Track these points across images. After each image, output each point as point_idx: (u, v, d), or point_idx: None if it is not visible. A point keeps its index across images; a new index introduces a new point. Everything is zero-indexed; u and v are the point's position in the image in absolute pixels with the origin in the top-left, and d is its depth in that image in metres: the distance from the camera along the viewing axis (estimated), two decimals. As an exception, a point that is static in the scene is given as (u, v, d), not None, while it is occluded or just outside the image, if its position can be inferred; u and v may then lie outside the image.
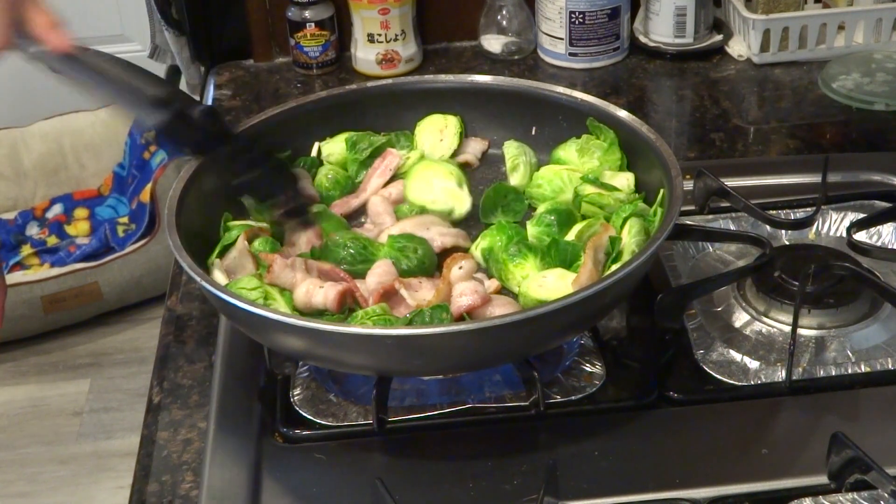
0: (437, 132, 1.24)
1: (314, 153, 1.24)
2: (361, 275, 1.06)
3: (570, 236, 1.09)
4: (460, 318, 0.99)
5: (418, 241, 1.09)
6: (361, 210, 1.19)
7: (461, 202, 1.17)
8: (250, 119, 1.20)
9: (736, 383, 1.03)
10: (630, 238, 1.06)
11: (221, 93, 1.65)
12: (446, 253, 1.09)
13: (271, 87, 1.67)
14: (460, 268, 1.02)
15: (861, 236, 1.18)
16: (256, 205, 1.12)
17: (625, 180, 1.15)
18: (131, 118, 0.99)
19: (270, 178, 1.10)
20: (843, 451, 0.89)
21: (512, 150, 1.22)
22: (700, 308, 1.12)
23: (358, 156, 1.22)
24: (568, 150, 1.20)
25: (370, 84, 1.28)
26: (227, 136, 1.08)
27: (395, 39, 1.64)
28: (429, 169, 1.19)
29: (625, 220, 1.08)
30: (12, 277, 2.70)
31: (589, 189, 1.13)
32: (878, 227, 1.21)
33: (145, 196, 2.81)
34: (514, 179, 1.20)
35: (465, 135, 1.26)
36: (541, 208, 1.14)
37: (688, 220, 1.21)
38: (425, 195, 1.17)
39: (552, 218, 1.11)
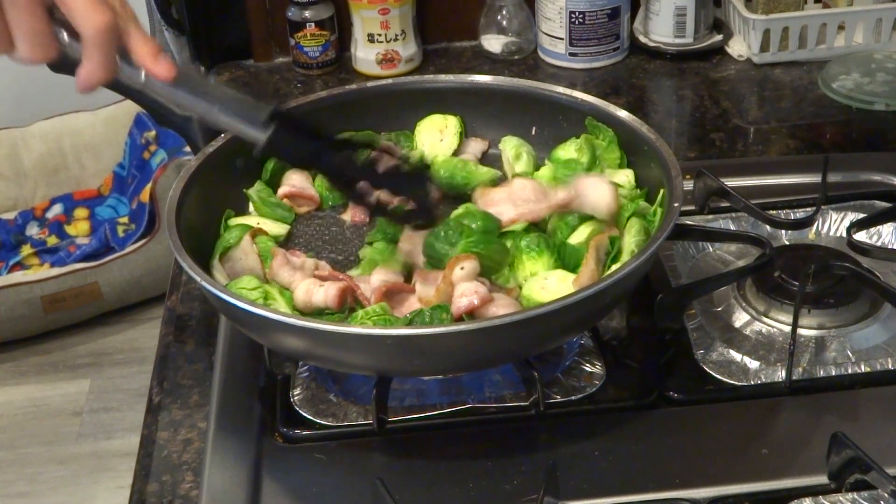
0: (437, 132, 1.24)
1: (314, 153, 1.24)
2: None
3: (578, 237, 1.08)
4: (460, 319, 0.99)
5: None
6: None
7: None
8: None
9: (736, 383, 1.03)
10: (630, 238, 1.06)
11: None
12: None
13: (271, 87, 1.67)
14: (462, 268, 1.02)
15: (861, 236, 1.18)
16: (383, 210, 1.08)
17: (624, 177, 1.16)
18: (241, 137, 0.98)
19: (403, 177, 1.06)
20: (843, 451, 0.89)
21: (513, 142, 1.22)
22: (700, 308, 1.12)
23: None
24: (567, 150, 1.20)
25: (370, 84, 1.28)
26: (339, 142, 1.06)
27: (395, 39, 1.64)
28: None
29: (627, 219, 1.08)
30: (12, 277, 2.71)
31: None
32: (878, 227, 1.21)
33: (145, 196, 2.81)
34: (520, 167, 1.20)
35: (465, 135, 1.26)
36: None
37: (688, 220, 1.21)
38: None
39: (572, 219, 1.10)
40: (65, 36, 0.86)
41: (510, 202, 1.10)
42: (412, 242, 1.08)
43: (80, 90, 0.88)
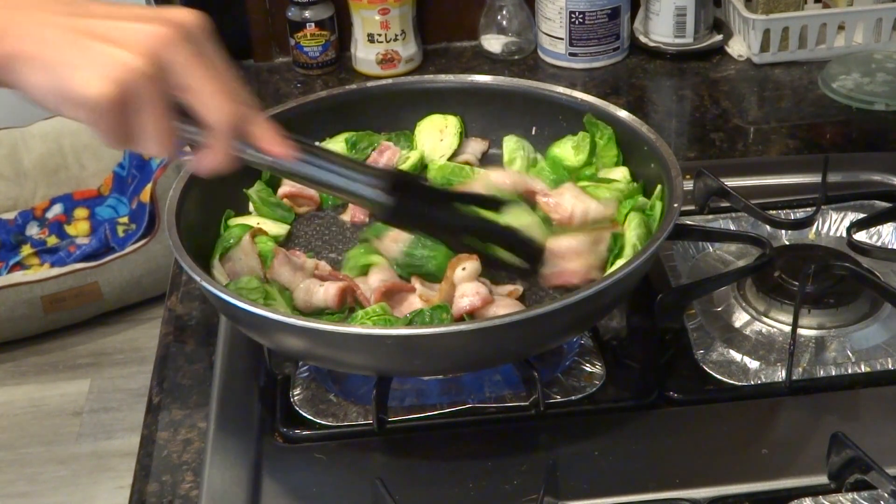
0: (437, 132, 1.24)
1: (314, 153, 1.24)
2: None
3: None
4: (461, 319, 0.99)
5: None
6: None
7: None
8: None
9: (736, 383, 1.03)
10: (631, 232, 1.06)
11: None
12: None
13: (271, 87, 1.67)
14: (464, 269, 1.02)
15: (861, 236, 1.18)
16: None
17: (620, 175, 1.16)
18: (364, 205, 1.01)
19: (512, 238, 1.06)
20: (843, 451, 0.89)
21: (511, 145, 1.22)
22: (700, 308, 1.12)
23: (358, 156, 1.22)
24: (563, 147, 1.20)
25: (370, 84, 1.28)
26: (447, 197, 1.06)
27: (395, 39, 1.64)
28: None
29: (626, 215, 1.08)
30: (12, 277, 2.71)
31: (589, 186, 1.14)
32: (878, 227, 1.21)
33: (145, 196, 2.81)
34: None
35: (465, 135, 1.26)
36: None
37: (688, 220, 1.21)
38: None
39: None
40: (186, 125, 0.85)
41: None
42: (395, 240, 1.08)
43: (199, 174, 0.89)
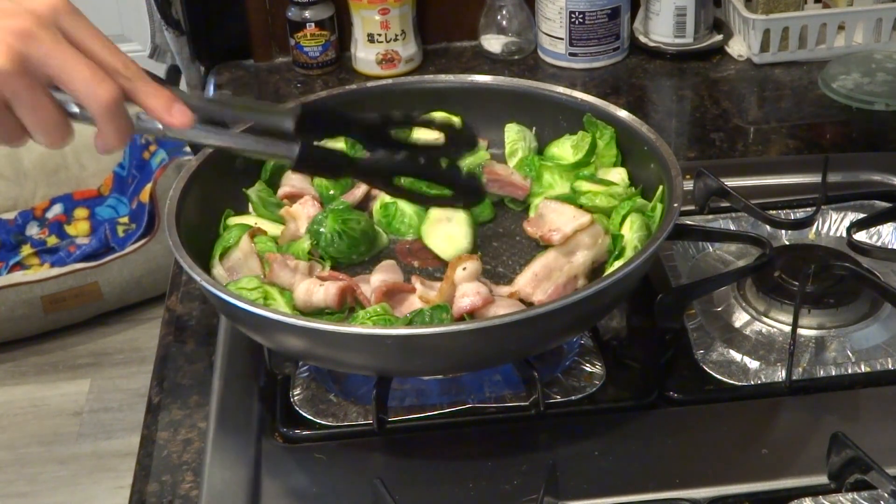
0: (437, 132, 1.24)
1: (314, 153, 1.24)
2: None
3: None
4: (461, 319, 0.99)
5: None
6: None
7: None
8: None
9: (736, 383, 1.03)
10: (632, 234, 1.06)
11: (222, 93, 1.65)
12: None
13: (271, 87, 1.67)
14: (464, 269, 1.02)
15: (861, 236, 1.18)
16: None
17: (618, 175, 1.16)
18: (272, 160, 0.99)
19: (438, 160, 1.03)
20: (843, 451, 0.89)
21: (511, 135, 1.22)
22: (700, 308, 1.12)
23: (358, 156, 1.22)
24: (562, 147, 1.20)
25: (370, 84, 1.28)
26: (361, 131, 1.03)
27: (395, 39, 1.64)
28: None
29: (624, 217, 1.08)
30: (12, 277, 2.71)
31: (586, 186, 1.14)
32: (878, 227, 1.21)
33: (145, 196, 2.81)
34: (511, 164, 1.20)
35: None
36: (536, 201, 1.15)
37: (688, 220, 1.21)
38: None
39: None
40: (75, 108, 0.84)
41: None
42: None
43: (101, 153, 0.88)
